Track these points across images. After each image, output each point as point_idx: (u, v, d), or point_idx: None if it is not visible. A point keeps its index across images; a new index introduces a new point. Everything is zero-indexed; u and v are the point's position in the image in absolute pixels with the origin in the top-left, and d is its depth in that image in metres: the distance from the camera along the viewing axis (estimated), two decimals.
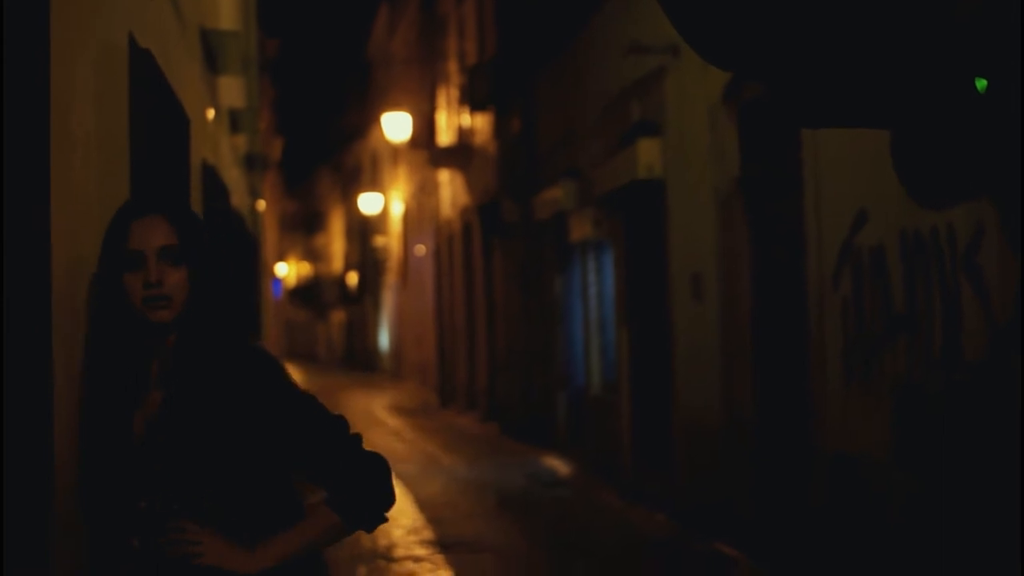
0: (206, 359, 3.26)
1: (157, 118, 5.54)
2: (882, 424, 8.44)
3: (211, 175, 9.70)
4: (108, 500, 3.26)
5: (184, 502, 3.20)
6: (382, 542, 11.47)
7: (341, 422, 3.34)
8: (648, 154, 12.86)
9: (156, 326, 3.25)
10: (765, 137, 10.67)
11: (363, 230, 49.35)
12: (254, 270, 17.84)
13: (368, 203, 42.71)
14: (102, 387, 3.31)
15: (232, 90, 12.76)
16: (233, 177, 14.44)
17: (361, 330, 52.32)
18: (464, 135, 25.99)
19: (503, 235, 21.80)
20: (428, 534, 11.93)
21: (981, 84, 5.27)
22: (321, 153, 60.09)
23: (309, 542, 3.31)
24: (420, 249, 34.54)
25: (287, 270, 67.45)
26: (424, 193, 33.23)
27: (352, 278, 53.04)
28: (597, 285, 16.63)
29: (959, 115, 6.02)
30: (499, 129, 22.35)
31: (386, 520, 3.35)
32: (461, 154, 25.98)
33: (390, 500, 3.33)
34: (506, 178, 21.57)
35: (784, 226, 10.37)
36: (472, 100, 23.44)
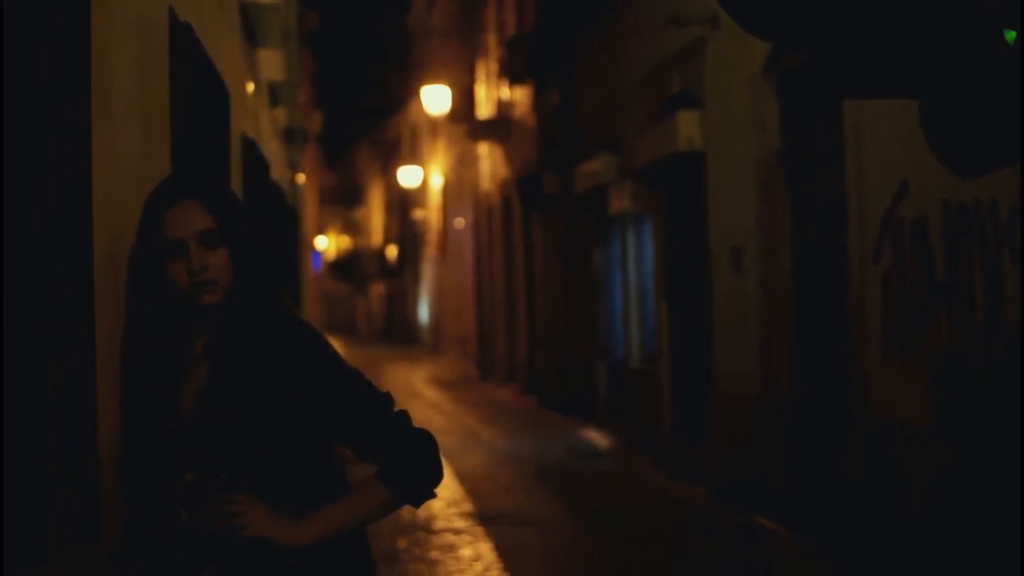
0: (252, 334, 3.27)
1: (197, 92, 5.55)
2: (922, 394, 8.42)
3: (251, 148, 9.72)
4: (155, 475, 3.27)
5: (231, 475, 3.21)
6: (422, 514, 11.50)
7: (388, 398, 3.34)
8: (688, 126, 12.80)
9: (202, 308, 3.27)
10: (806, 108, 10.62)
11: (402, 203, 49.41)
12: (294, 243, 17.90)
13: (407, 176, 42.75)
14: (147, 367, 3.33)
15: (271, 63, 12.78)
16: (273, 150, 14.47)
17: (401, 303, 52.44)
18: (503, 108, 25.95)
19: (543, 208, 21.77)
20: (468, 507, 11.96)
21: (1010, 36, 5.19)
22: (360, 126, 60.09)
23: (358, 515, 3.32)
24: (459, 222, 34.55)
25: (327, 243, 67.64)
26: (463, 166, 33.22)
27: (391, 251, 53.14)
28: (637, 258, 16.60)
29: (998, 85, 5.96)
30: (538, 102, 22.30)
31: (435, 496, 3.36)
32: (500, 127, 25.95)
33: (439, 476, 3.34)
34: (545, 151, 21.54)
35: (825, 198, 10.32)
36: (511, 72, 23.38)
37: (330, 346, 3.34)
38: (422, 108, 33.82)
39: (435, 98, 30.02)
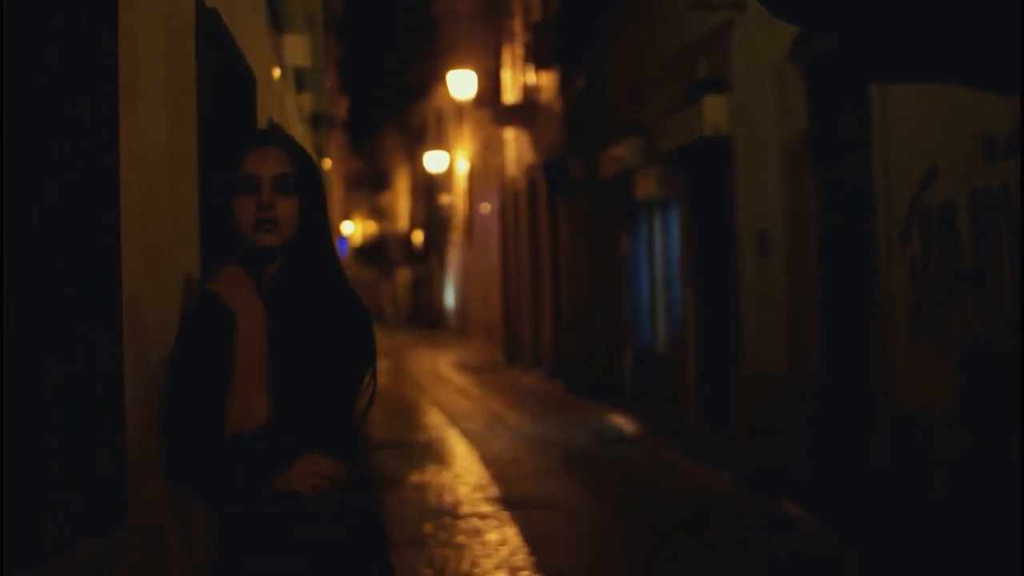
0: (310, 286, 3.32)
1: (224, 77, 5.56)
2: (949, 380, 8.39)
3: None
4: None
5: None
6: (448, 499, 11.54)
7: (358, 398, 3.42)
8: (714, 111, 12.78)
9: (261, 251, 3.31)
10: (833, 93, 10.58)
11: (428, 188, 49.45)
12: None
13: (433, 161, 42.79)
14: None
15: (297, 49, 12.79)
16: (299, 136, 14.49)
17: (427, 288, 52.52)
18: (529, 93, 25.94)
19: (568, 193, 21.76)
20: (494, 491, 11.98)
21: None
22: (386, 111, 60.15)
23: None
24: (485, 207, 34.56)
25: (353, 228, 67.77)
26: (489, 151, 33.22)
27: (418, 236, 53.21)
28: (663, 243, 16.58)
29: None
30: (564, 87, 22.28)
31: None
32: (526, 112, 25.94)
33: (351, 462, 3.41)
34: (571, 136, 21.52)
35: (852, 183, 10.28)
36: (537, 57, 23.36)
37: (370, 327, 3.41)
38: (448, 93, 33.82)
39: (461, 83, 30.01)
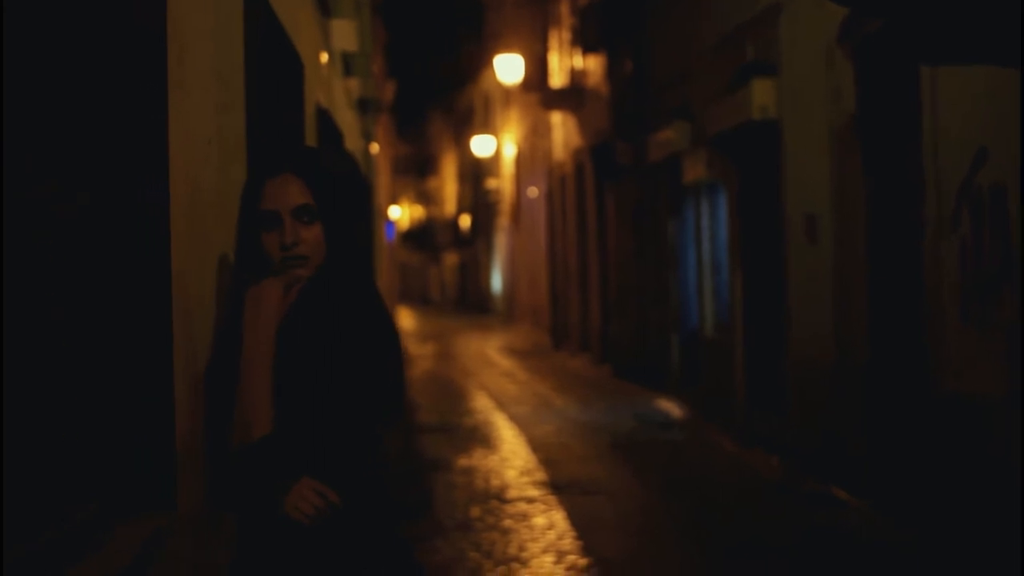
0: (332, 304, 3.30)
1: (272, 62, 5.58)
2: (999, 363, 8.33)
3: (325, 119, 9.77)
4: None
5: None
6: (495, 483, 11.55)
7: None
8: (762, 94, 12.72)
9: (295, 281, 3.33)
10: (882, 76, 10.51)
11: (475, 172, 49.50)
12: (367, 213, 17.96)
13: (480, 145, 42.80)
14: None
15: (344, 33, 12.82)
16: (347, 120, 14.53)
17: (474, 273, 52.58)
18: (576, 76, 25.89)
19: (616, 177, 21.72)
20: (541, 475, 11.98)
21: None
22: (433, 96, 60.20)
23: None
24: (532, 191, 34.53)
25: (400, 213, 67.92)
26: (536, 135, 33.19)
27: (465, 221, 53.28)
28: (710, 227, 16.52)
29: None
30: (611, 70, 22.22)
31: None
32: (573, 96, 25.89)
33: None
34: (618, 119, 21.47)
35: (901, 166, 10.21)
36: (584, 41, 23.32)
37: (392, 339, 3.37)
38: (495, 77, 33.81)
39: (508, 67, 29.99)
